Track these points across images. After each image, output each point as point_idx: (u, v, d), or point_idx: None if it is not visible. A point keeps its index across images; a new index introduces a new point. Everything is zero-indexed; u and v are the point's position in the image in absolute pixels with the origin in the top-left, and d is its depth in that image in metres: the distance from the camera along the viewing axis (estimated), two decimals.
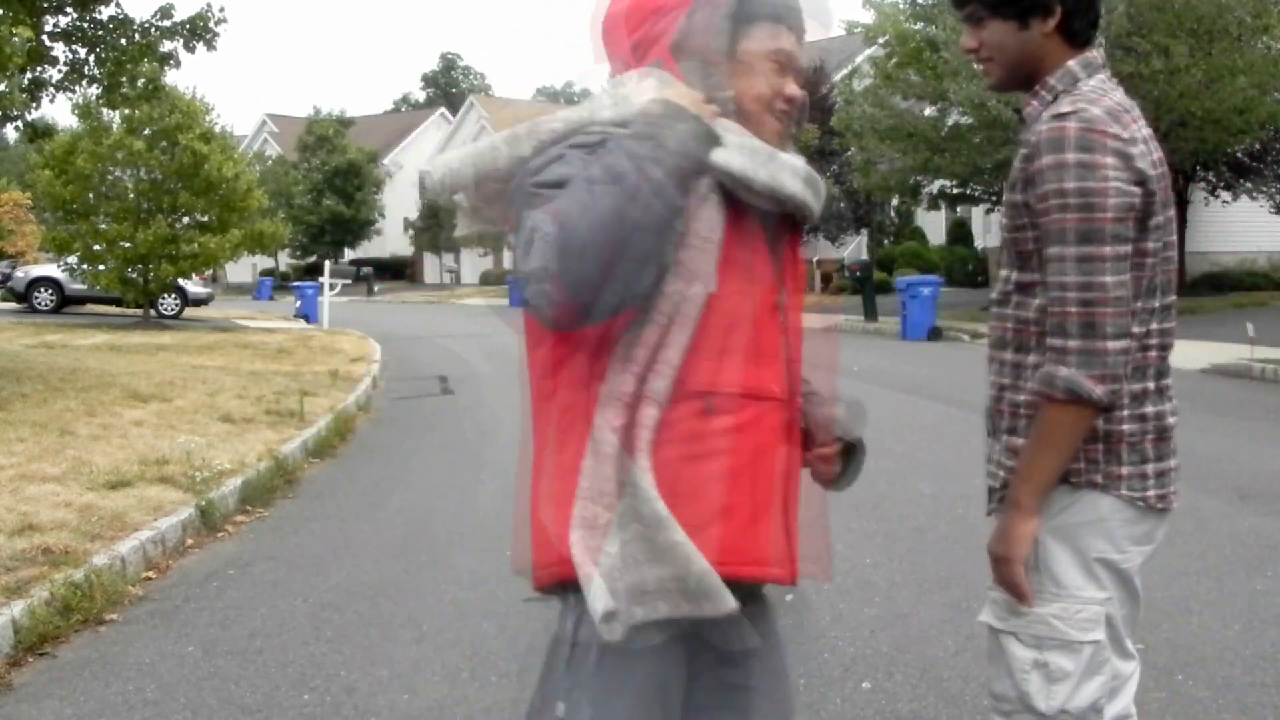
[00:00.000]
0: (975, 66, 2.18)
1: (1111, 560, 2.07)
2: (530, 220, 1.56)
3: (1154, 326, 2.09)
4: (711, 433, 1.66)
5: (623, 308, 1.58)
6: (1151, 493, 2.13)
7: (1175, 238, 2.12)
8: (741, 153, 1.66)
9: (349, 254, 54.41)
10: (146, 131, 20.71)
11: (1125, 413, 2.05)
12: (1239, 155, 23.51)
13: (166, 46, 12.31)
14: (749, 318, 1.69)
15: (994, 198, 24.73)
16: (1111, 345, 1.94)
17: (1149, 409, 2.12)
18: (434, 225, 49.84)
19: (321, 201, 51.23)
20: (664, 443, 1.64)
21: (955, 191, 26.23)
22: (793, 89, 1.78)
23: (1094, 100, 2.03)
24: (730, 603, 1.59)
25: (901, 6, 23.60)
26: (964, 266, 31.37)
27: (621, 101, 1.69)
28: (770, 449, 1.72)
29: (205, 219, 21.80)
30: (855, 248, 35.16)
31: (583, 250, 1.50)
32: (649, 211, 1.53)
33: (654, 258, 1.56)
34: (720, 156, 1.64)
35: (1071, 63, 2.10)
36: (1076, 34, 2.10)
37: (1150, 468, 2.12)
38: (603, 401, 1.65)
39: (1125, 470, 2.08)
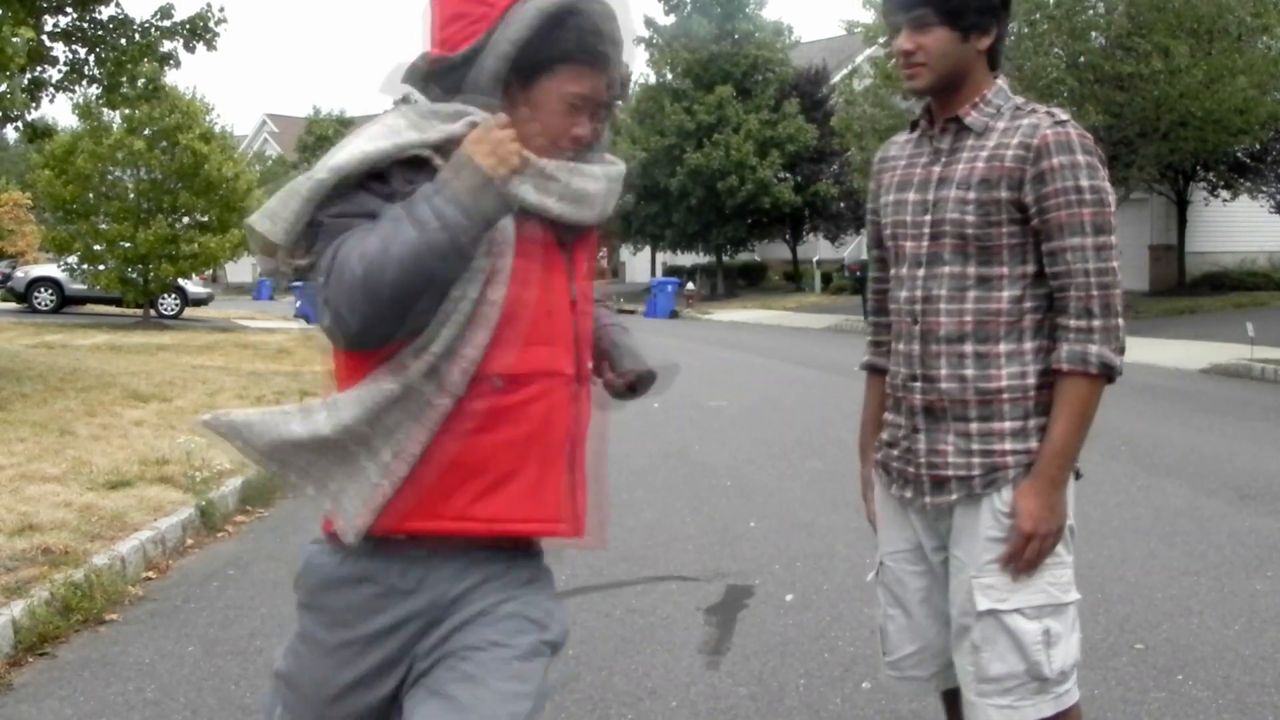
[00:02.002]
0: (900, 69, 2.28)
1: (1072, 525, 2.26)
2: (339, 254, 1.71)
3: None
4: (502, 408, 1.84)
5: (411, 334, 1.78)
6: (1078, 462, 2.30)
7: None
8: (524, 180, 1.82)
9: None
10: (146, 131, 20.73)
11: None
12: (1239, 155, 23.51)
13: (166, 46, 12.32)
14: (544, 308, 1.89)
15: None
16: (1121, 322, 2.21)
17: None
18: None
19: None
20: (457, 420, 1.81)
21: None
22: (580, 130, 1.88)
23: (1063, 112, 2.27)
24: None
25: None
26: None
27: (425, 128, 1.82)
28: (558, 418, 1.89)
29: (205, 219, 21.82)
30: (855, 248, 35.18)
31: (381, 291, 1.69)
32: (445, 259, 1.71)
33: (443, 291, 1.75)
34: (514, 187, 1.80)
35: (1000, 81, 2.29)
36: (996, 57, 2.29)
37: None
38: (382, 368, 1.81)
39: None
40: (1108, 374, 2.17)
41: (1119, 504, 6.32)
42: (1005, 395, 2.21)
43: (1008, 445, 2.21)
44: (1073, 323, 2.17)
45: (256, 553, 5.56)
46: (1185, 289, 25.04)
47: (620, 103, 2.03)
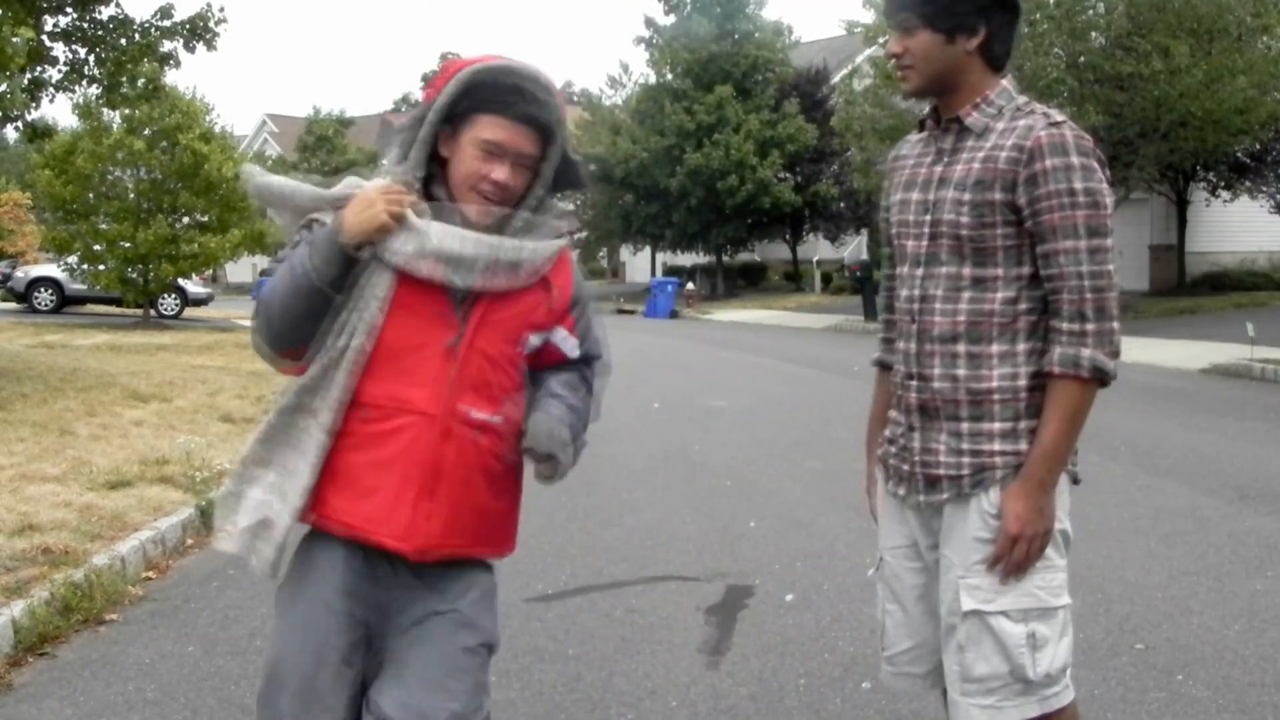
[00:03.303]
0: (894, 72, 2.33)
1: (1066, 529, 2.25)
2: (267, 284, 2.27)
3: None
4: (369, 434, 2.22)
5: (295, 350, 2.26)
6: (1078, 467, 2.32)
7: None
8: (403, 240, 2.17)
9: None
10: (146, 131, 20.73)
11: None
12: (1239, 155, 23.49)
13: (166, 46, 12.31)
14: (416, 350, 2.22)
15: None
16: (1116, 325, 2.18)
17: None
18: None
19: None
20: (339, 440, 2.23)
21: None
22: (497, 175, 2.19)
23: (1060, 113, 2.24)
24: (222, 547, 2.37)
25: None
26: None
27: (351, 186, 2.25)
28: (418, 450, 2.20)
29: (205, 219, 21.82)
30: (855, 248, 35.19)
31: (271, 315, 2.25)
32: (307, 296, 2.19)
33: (312, 318, 2.21)
34: (388, 247, 2.17)
35: (1005, 82, 2.28)
36: (995, 58, 2.27)
37: (1077, 443, 2.27)
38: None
39: None
40: (1100, 378, 2.17)
41: (1119, 504, 6.32)
42: (996, 396, 2.22)
43: (996, 446, 2.22)
44: (1065, 326, 2.16)
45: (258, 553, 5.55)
46: (1185, 289, 25.04)
47: (555, 159, 2.27)
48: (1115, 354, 2.18)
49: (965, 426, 2.24)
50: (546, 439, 2.22)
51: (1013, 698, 2.20)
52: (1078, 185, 2.14)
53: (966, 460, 2.24)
